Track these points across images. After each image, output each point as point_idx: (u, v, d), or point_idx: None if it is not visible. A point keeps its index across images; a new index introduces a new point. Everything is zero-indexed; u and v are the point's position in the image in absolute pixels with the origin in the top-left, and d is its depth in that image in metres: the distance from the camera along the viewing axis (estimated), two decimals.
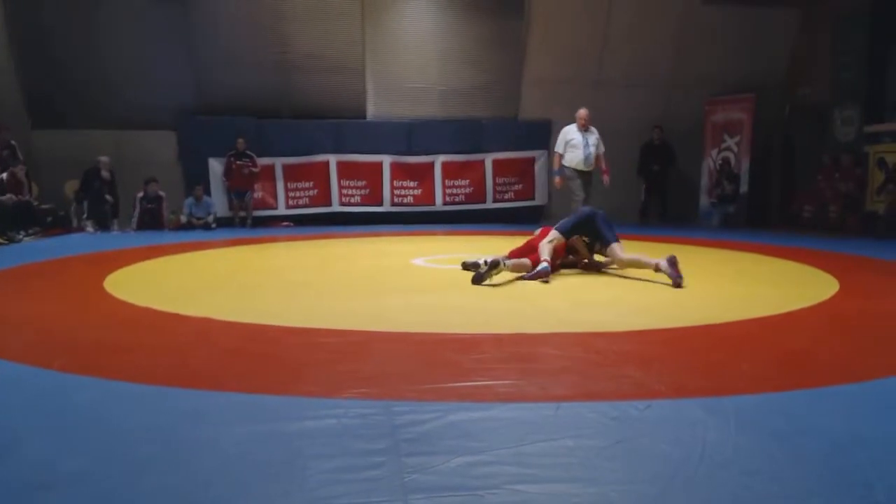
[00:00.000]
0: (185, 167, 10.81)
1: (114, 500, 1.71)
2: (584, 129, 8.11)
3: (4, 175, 8.79)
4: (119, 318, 3.92)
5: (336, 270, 6.11)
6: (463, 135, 11.40)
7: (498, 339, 3.32)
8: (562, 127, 10.15)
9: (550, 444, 2.03)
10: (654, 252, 5.82)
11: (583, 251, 5.64)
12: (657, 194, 11.28)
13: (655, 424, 2.21)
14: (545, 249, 5.12)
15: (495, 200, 11.62)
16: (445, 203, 11.51)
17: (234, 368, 2.89)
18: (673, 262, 4.89)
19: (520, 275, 5.10)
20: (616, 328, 3.59)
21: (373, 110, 11.28)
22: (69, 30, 10.02)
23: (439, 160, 11.41)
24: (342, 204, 11.21)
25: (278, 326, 3.60)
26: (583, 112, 8.14)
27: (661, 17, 10.92)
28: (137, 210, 10.10)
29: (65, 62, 10.13)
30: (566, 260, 5.66)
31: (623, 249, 5.35)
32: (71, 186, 10.27)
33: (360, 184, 11.25)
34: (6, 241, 8.15)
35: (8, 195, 8.68)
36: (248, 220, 10.71)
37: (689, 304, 4.34)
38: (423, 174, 11.42)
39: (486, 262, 4.93)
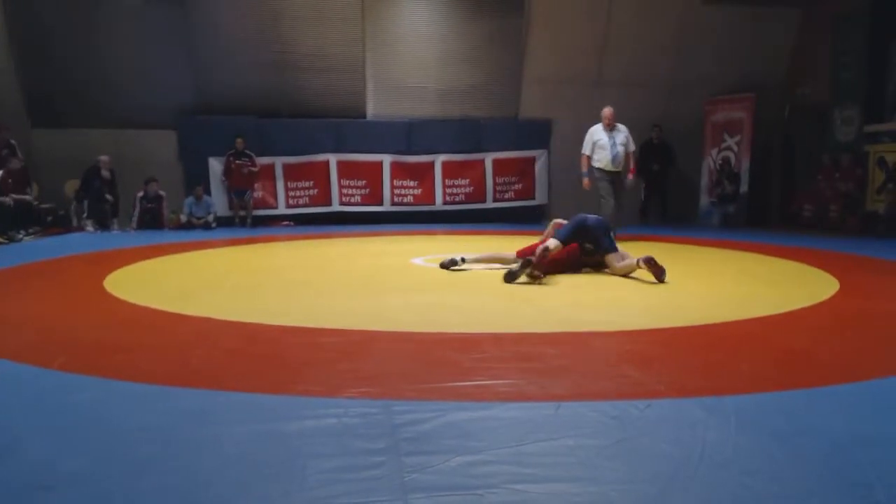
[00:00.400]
0: (185, 167, 10.81)
1: (114, 500, 1.71)
2: (609, 128, 7.92)
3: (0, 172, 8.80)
4: (119, 317, 3.92)
5: (336, 270, 6.11)
6: (463, 134, 11.41)
7: (498, 339, 3.32)
8: (561, 126, 10.16)
9: (550, 443, 2.03)
10: (641, 252, 5.83)
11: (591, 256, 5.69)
12: (657, 194, 11.28)
13: (655, 424, 2.21)
14: (539, 253, 5.10)
15: (495, 200, 11.62)
16: (445, 202, 11.51)
17: (234, 368, 2.89)
18: (649, 260, 5.05)
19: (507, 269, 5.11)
20: (616, 328, 3.59)
21: (373, 110, 11.28)
22: (69, 30, 10.02)
23: (439, 160, 11.41)
24: (342, 203, 11.21)
25: (278, 326, 3.60)
26: (607, 111, 7.95)
27: (661, 17, 10.92)
28: (137, 209, 10.10)
29: (65, 62, 10.13)
30: (589, 260, 5.64)
31: (619, 259, 5.39)
32: (71, 186, 10.27)
33: (360, 183, 11.26)
34: (6, 241, 8.15)
35: (9, 196, 8.67)
36: (248, 220, 10.72)
37: (689, 304, 4.34)
38: (423, 174, 11.43)
39: (462, 259, 5.36)
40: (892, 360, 3.05)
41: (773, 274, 5.86)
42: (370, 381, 2.62)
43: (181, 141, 10.77)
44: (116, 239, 8.79)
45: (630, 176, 8.03)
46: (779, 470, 1.87)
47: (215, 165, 10.71)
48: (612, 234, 5.56)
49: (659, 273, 5.01)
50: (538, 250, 5.11)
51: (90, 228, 9.72)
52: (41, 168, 10.27)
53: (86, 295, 4.60)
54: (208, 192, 10.56)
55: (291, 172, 11.04)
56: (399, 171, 11.35)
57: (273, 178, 10.99)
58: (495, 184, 11.59)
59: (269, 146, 10.90)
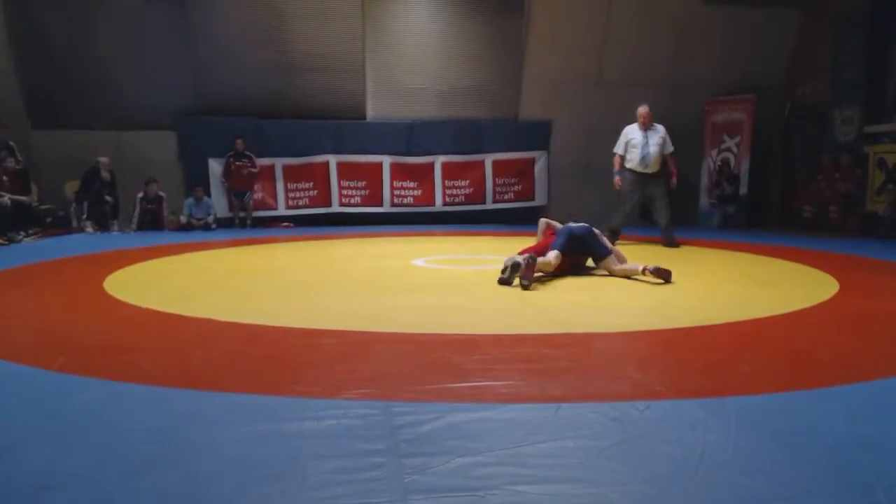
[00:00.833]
0: (185, 167, 10.81)
1: (114, 500, 1.71)
2: (645, 127, 7.58)
3: None
4: (119, 318, 3.93)
5: (336, 271, 6.11)
6: (463, 135, 11.40)
7: (498, 340, 3.32)
8: (561, 126, 10.13)
9: (550, 444, 2.03)
10: (640, 257, 5.85)
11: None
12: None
13: (655, 425, 2.21)
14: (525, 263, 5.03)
15: (495, 201, 11.61)
16: (445, 203, 11.50)
17: (233, 369, 2.89)
18: (656, 270, 5.09)
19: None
20: (616, 328, 3.59)
21: (372, 110, 11.28)
22: (69, 30, 10.02)
23: (439, 161, 11.41)
24: (342, 204, 11.21)
25: (278, 327, 3.60)
26: (642, 109, 7.61)
27: (661, 17, 10.92)
28: (137, 210, 10.10)
29: (65, 62, 10.13)
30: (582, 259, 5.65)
31: (617, 261, 5.42)
32: (71, 187, 10.27)
33: (360, 184, 11.25)
34: (6, 242, 8.15)
35: (6, 196, 8.67)
36: (247, 221, 10.72)
37: (689, 304, 4.34)
38: (422, 175, 11.42)
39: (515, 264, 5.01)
40: (892, 360, 3.05)
41: (772, 274, 5.86)
42: (370, 382, 2.62)
43: (181, 142, 10.77)
44: (116, 240, 8.79)
45: (673, 180, 7.71)
46: (779, 470, 1.87)
47: (215, 166, 10.71)
48: (600, 237, 5.51)
49: (666, 276, 5.05)
50: (525, 258, 4.99)
51: (90, 229, 9.72)
52: (41, 169, 10.27)
53: (86, 296, 4.60)
54: (208, 194, 10.56)
55: (291, 173, 11.04)
56: (399, 172, 11.35)
57: (273, 180, 10.99)
58: (495, 185, 11.59)
59: (268, 147, 10.90)
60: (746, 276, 5.70)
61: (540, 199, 11.67)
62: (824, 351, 3.26)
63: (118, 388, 2.59)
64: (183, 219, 10.27)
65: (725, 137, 11.26)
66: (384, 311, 4.10)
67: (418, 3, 10.87)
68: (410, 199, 11.46)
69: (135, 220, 10.07)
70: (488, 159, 11.51)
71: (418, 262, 6.38)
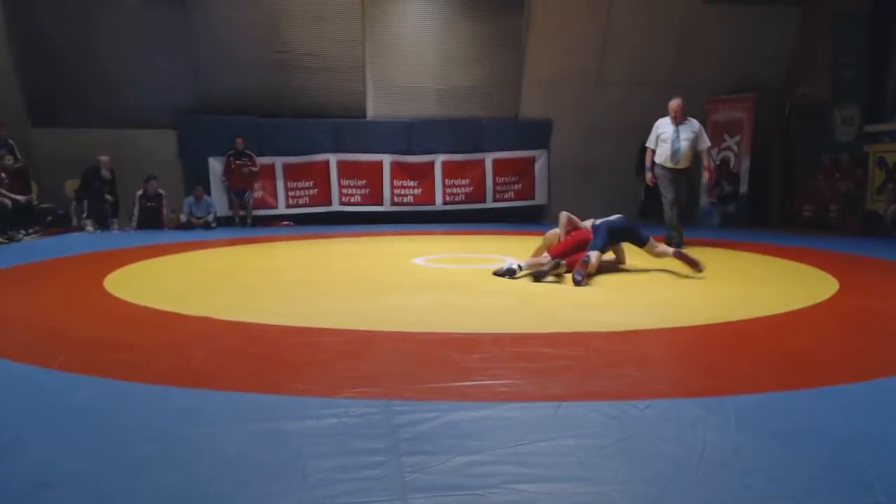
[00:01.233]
0: (186, 166, 10.80)
1: (114, 499, 1.71)
2: (677, 121, 7.35)
3: None
4: (119, 317, 3.92)
5: (336, 270, 6.11)
6: (463, 134, 11.40)
7: (498, 339, 3.32)
8: (561, 126, 10.12)
9: (550, 443, 2.03)
10: (640, 257, 5.88)
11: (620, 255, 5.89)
12: (657, 194, 11.25)
13: (655, 423, 2.21)
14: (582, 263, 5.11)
15: (495, 200, 11.62)
16: (445, 202, 11.50)
17: (234, 367, 2.89)
18: (678, 254, 5.43)
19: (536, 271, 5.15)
20: (616, 328, 3.59)
21: (372, 110, 11.28)
22: (69, 30, 10.02)
23: (439, 160, 11.41)
24: (342, 203, 11.21)
25: (278, 326, 3.60)
26: (674, 103, 7.35)
27: (661, 17, 10.92)
28: (137, 208, 10.10)
29: (65, 62, 10.13)
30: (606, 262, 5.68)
31: (656, 245, 5.59)
32: (71, 185, 10.27)
33: (360, 183, 11.26)
34: (6, 241, 8.15)
35: (4, 197, 8.67)
36: (248, 220, 10.72)
37: (689, 304, 4.34)
38: (423, 173, 11.42)
39: (519, 267, 5.21)
40: (892, 359, 3.05)
41: (772, 274, 5.86)
42: (370, 381, 2.62)
43: (181, 141, 10.76)
44: (116, 239, 8.79)
45: (706, 174, 7.56)
46: (779, 470, 1.87)
47: (215, 165, 10.71)
48: (636, 225, 5.63)
49: (693, 265, 5.26)
50: (583, 260, 5.10)
51: (90, 228, 9.72)
52: (41, 167, 10.27)
53: (86, 294, 4.60)
54: (208, 192, 10.56)
55: (291, 172, 11.04)
56: (399, 170, 11.35)
57: (273, 178, 10.99)
58: (495, 184, 11.59)
59: (268, 146, 10.90)
60: (746, 276, 5.70)
61: (540, 197, 11.67)
62: (824, 350, 3.26)
63: (118, 386, 2.59)
64: (183, 217, 10.27)
65: (726, 136, 11.25)
66: (384, 309, 4.09)
67: (419, 2, 10.87)
68: (410, 198, 11.46)
69: (135, 217, 10.07)
70: (488, 158, 11.52)
71: (418, 261, 6.37)
